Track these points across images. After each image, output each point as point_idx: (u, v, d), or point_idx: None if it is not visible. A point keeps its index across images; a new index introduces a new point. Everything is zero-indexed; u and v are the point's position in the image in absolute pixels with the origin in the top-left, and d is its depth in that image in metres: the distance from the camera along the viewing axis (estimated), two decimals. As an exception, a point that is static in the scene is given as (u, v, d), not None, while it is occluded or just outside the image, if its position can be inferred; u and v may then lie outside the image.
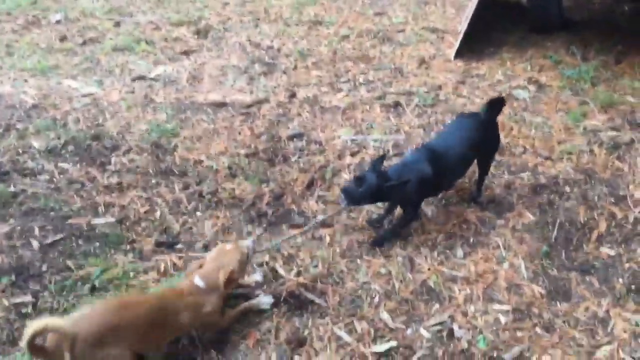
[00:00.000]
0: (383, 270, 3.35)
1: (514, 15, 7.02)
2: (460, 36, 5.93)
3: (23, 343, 2.31)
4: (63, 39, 6.77)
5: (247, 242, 3.07)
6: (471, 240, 3.57)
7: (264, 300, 3.11)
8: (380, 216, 3.72)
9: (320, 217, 3.68)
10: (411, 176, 3.32)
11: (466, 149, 3.54)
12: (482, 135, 3.60)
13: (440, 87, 5.40)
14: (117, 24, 7.20)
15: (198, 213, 3.80)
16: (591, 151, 4.33)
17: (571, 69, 5.46)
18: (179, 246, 3.52)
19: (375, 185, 3.28)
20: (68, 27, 7.17)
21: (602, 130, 4.60)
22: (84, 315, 2.52)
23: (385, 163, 3.52)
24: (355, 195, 3.31)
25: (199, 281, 2.81)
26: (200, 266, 2.88)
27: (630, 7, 6.90)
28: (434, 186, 3.54)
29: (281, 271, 3.34)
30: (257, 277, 3.25)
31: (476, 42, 6.11)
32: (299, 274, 3.32)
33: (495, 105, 3.74)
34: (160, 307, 2.69)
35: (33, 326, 2.31)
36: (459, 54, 5.98)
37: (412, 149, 3.91)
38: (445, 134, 3.69)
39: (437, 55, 6.08)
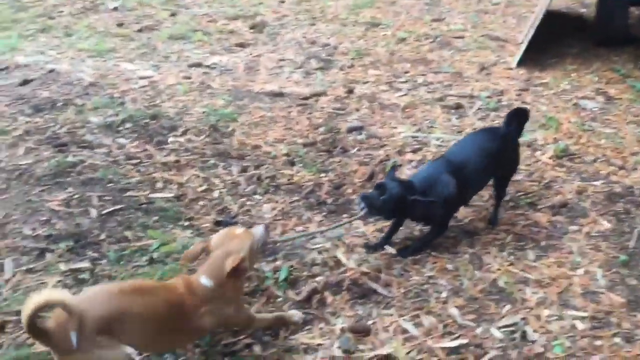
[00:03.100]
0: (450, 267, 3.19)
1: (575, 28, 6.85)
2: (525, 44, 5.77)
3: (23, 321, 1.99)
4: (120, 24, 6.82)
5: (259, 229, 2.64)
6: (542, 243, 3.38)
7: (296, 314, 2.76)
8: (381, 240, 3.34)
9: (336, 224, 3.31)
10: (437, 191, 3.12)
11: (485, 161, 3.31)
12: (500, 148, 3.38)
13: (502, 93, 5.24)
14: (173, 14, 7.23)
15: (256, 196, 3.70)
16: (667, 164, 4.13)
17: (641, 83, 5.27)
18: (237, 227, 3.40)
19: (398, 196, 3.01)
20: (125, 14, 7.23)
21: (677, 144, 4.39)
22: (95, 294, 2.24)
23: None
24: (376, 204, 3.00)
25: (205, 281, 2.38)
26: (204, 251, 2.47)
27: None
28: (459, 201, 3.34)
29: (343, 259, 3.20)
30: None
31: (538, 53, 5.94)
32: (361, 263, 3.17)
33: (516, 117, 3.52)
34: (178, 302, 2.33)
35: (33, 301, 1.95)
36: (520, 63, 5.82)
37: (431, 161, 3.63)
38: (462, 146, 3.48)
39: (498, 63, 5.93)
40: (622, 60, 5.83)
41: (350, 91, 5.20)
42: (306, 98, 5.04)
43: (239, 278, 2.46)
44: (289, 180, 3.87)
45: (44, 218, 3.29)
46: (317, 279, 3.05)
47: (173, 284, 2.44)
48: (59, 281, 2.87)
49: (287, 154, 4.16)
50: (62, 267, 2.96)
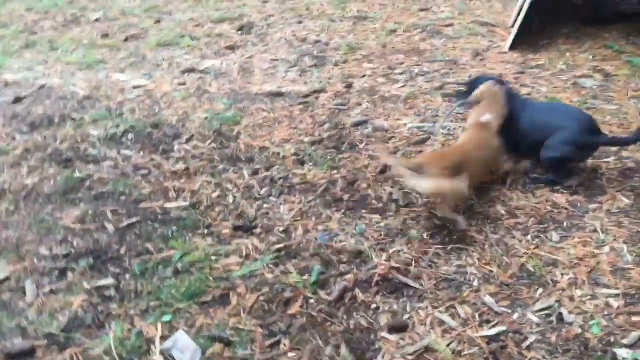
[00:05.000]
0: (477, 254, 3.17)
1: (563, 9, 6.87)
2: (516, 27, 5.77)
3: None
4: (105, 36, 6.71)
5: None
6: (565, 224, 3.38)
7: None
8: None
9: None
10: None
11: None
12: None
13: (500, 77, 5.22)
14: (158, 22, 7.14)
15: (272, 198, 3.64)
16: (674, 136, 4.14)
17: (638, 58, 5.28)
18: (258, 230, 3.35)
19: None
20: (108, 25, 7.12)
21: (680, 116, 4.42)
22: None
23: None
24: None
25: (486, 117, 3.52)
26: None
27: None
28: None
29: (370, 255, 3.17)
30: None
31: (529, 35, 5.94)
32: (389, 258, 3.14)
33: None
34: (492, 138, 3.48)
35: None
36: (513, 47, 5.82)
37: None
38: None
39: (491, 48, 5.93)
40: (613, 37, 5.86)
41: (349, 86, 5.16)
42: (306, 96, 4.99)
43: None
44: (302, 179, 3.82)
45: (60, 237, 3.21)
46: (347, 277, 3.01)
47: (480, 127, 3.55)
48: (85, 300, 2.79)
49: (295, 154, 4.11)
50: (86, 285, 2.89)
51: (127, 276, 2.95)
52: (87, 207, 3.45)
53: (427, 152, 3.65)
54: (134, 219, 3.36)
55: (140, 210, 3.45)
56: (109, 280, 2.92)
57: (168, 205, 3.51)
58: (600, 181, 3.70)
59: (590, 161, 3.88)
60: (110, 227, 3.29)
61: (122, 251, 3.12)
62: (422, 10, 7.09)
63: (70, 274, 2.96)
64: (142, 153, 4.07)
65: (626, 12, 6.30)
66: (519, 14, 5.91)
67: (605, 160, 3.91)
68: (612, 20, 6.11)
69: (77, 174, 3.76)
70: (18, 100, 4.94)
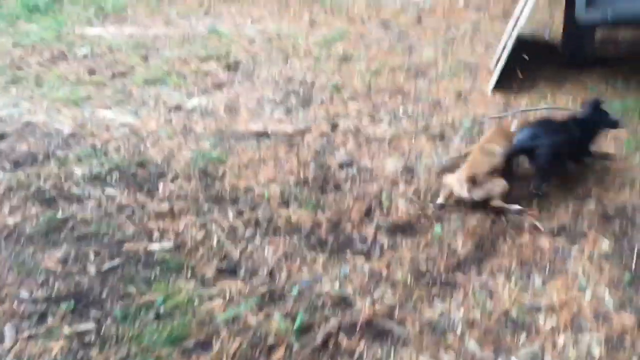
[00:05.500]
0: (460, 299, 3.18)
1: (543, 52, 7.03)
2: (498, 69, 5.89)
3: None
4: (92, 72, 6.70)
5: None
6: (547, 268, 3.41)
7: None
8: None
9: None
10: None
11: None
12: None
13: (483, 119, 5.32)
14: (145, 59, 7.15)
15: (256, 240, 3.64)
16: (653, 180, 4.23)
17: (616, 101, 5.40)
18: (242, 273, 3.33)
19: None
20: (95, 61, 7.10)
21: (659, 160, 4.52)
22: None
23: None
24: None
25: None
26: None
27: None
28: None
29: (353, 299, 3.16)
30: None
31: (510, 78, 6.07)
32: (373, 303, 3.13)
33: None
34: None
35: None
36: (495, 88, 5.93)
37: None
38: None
39: (474, 89, 6.04)
40: (592, 80, 6.00)
41: (335, 126, 5.21)
42: (291, 136, 5.02)
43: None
44: (286, 220, 3.82)
45: (41, 279, 3.17)
46: (331, 322, 2.99)
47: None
48: (65, 346, 2.74)
49: (280, 194, 4.11)
50: (66, 330, 2.84)
51: (108, 320, 2.91)
52: (69, 248, 3.41)
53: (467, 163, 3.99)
54: (117, 261, 3.33)
55: (123, 251, 3.42)
56: (89, 325, 2.88)
57: (151, 246, 3.48)
58: (582, 225, 3.75)
59: (570, 204, 3.94)
60: (92, 269, 3.25)
61: (104, 294, 3.08)
62: (405, 51, 7.21)
63: (50, 318, 2.91)
64: (126, 192, 4.04)
65: (605, 55, 6.49)
66: (500, 56, 6.05)
67: (586, 203, 3.97)
68: (591, 64, 6.27)
69: (60, 214, 3.73)
70: (1, 137, 4.91)
